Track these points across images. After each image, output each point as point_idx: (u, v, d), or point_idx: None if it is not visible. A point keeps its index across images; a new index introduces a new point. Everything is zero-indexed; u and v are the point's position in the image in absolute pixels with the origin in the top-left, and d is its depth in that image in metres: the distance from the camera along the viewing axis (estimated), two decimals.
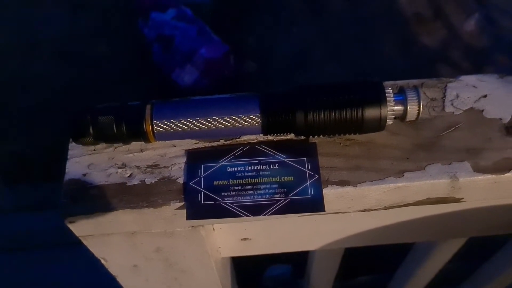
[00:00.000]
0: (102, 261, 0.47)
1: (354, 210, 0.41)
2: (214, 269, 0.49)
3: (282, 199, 0.37)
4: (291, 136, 0.41)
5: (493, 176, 0.38)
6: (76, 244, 0.44)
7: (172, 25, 2.06)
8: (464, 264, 0.89)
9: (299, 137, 0.41)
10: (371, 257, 1.03)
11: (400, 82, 0.43)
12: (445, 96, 0.43)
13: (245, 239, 0.53)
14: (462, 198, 0.40)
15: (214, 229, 0.49)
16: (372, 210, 0.41)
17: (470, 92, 0.43)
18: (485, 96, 0.43)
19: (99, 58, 2.07)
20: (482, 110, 0.42)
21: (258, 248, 0.56)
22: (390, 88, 0.38)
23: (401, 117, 0.39)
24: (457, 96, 0.43)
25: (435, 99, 0.43)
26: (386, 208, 0.41)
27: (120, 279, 0.50)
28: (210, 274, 0.51)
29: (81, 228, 0.39)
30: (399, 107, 0.38)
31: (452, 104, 0.42)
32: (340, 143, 0.40)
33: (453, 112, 0.42)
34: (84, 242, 0.42)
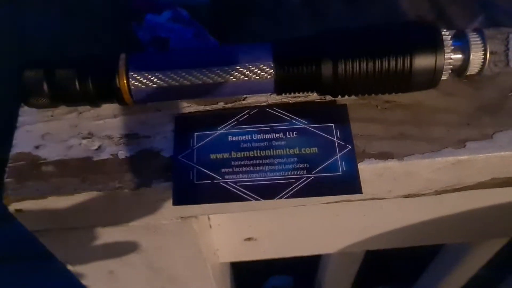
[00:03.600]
0: (68, 266, 0.37)
1: (395, 195, 0.31)
2: (211, 277, 0.39)
3: (304, 177, 0.27)
4: (313, 96, 0.31)
5: None
6: None
7: (168, 27, 1.97)
8: (492, 271, 0.79)
9: (324, 97, 0.31)
10: (390, 263, 0.93)
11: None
12: (508, 49, 0.33)
13: (249, 239, 0.43)
14: None
15: (211, 226, 0.39)
16: (418, 195, 0.32)
17: None
18: None
19: None
20: None
21: (264, 251, 0.46)
22: (446, 31, 0.28)
23: (459, 70, 0.30)
24: None
25: (496, 53, 0.33)
26: (437, 192, 0.32)
27: None
28: (206, 283, 0.41)
29: (32, 219, 0.29)
30: (458, 56, 0.29)
31: None
32: (376, 106, 0.31)
33: None
34: (41, 240, 0.32)
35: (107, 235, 0.33)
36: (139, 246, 0.35)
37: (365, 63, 0.28)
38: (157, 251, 0.35)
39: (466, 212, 0.41)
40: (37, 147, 0.29)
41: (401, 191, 0.31)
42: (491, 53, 0.33)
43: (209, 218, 0.38)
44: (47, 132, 0.30)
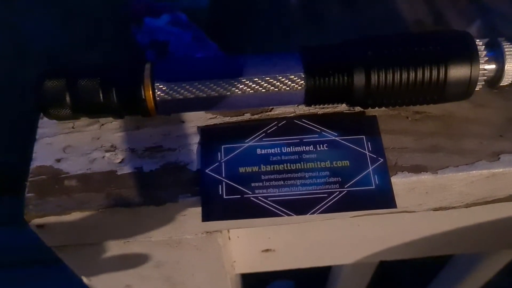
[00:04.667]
0: (85, 281, 0.36)
1: (426, 208, 0.31)
2: None
3: (337, 191, 0.27)
4: (342, 107, 0.30)
5: None
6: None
7: (166, 31, 1.96)
8: (502, 278, 0.78)
9: (353, 108, 0.30)
10: (398, 273, 0.92)
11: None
12: None
13: (267, 250, 0.42)
14: None
15: (230, 238, 0.38)
16: (448, 208, 0.31)
17: None
18: None
19: None
20: None
21: (280, 263, 0.45)
22: (480, 41, 0.28)
23: (492, 81, 0.29)
24: None
25: None
26: (467, 206, 0.31)
27: None
28: None
29: (53, 235, 0.28)
30: (492, 66, 0.28)
31: None
32: (407, 117, 0.30)
33: None
34: (59, 255, 0.31)
35: (127, 249, 0.32)
36: (159, 260, 0.34)
37: (398, 73, 0.27)
38: (177, 265, 0.34)
39: (488, 223, 0.40)
40: (58, 161, 0.28)
41: (432, 205, 0.30)
42: None
43: (228, 231, 0.37)
44: (69, 144, 0.29)
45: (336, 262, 0.49)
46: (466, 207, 0.31)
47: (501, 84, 0.29)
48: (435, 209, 0.31)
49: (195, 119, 0.30)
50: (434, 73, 0.27)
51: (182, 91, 0.28)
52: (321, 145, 0.28)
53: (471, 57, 0.27)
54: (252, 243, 0.40)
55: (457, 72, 0.27)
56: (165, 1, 1.94)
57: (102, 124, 0.30)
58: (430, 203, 0.30)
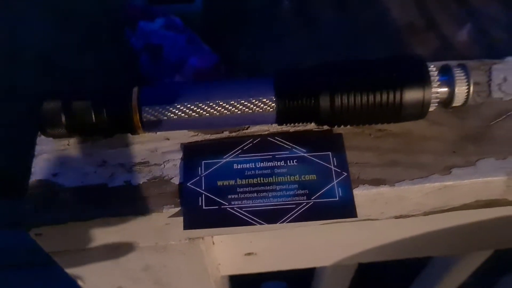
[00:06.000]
0: (79, 282, 0.39)
1: (387, 216, 0.34)
2: None
3: (304, 203, 0.30)
4: (311, 126, 0.33)
5: None
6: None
7: (161, 34, 1.98)
8: (479, 278, 0.82)
9: (321, 126, 0.33)
10: (381, 274, 0.95)
11: (435, 64, 0.36)
12: (490, 79, 0.36)
13: (249, 254, 0.45)
14: None
15: (214, 243, 0.41)
16: (408, 216, 0.34)
17: None
18: None
19: (85, 70, 1.99)
20: None
21: (263, 265, 0.48)
22: (433, 66, 0.31)
23: (445, 102, 0.32)
24: (505, 80, 0.36)
25: (479, 84, 0.36)
26: (425, 214, 0.34)
27: None
28: None
29: (50, 242, 0.31)
30: (444, 89, 0.32)
31: (499, 89, 0.35)
32: (370, 134, 0.33)
33: (502, 98, 0.35)
34: (56, 259, 0.34)
35: (118, 254, 0.35)
36: (147, 264, 0.37)
37: (359, 97, 0.30)
38: (164, 268, 0.38)
39: (452, 228, 0.44)
40: (54, 175, 0.32)
41: (393, 213, 0.33)
42: (474, 84, 0.36)
43: (212, 236, 0.40)
44: (64, 160, 0.32)
45: (315, 264, 0.52)
46: (425, 215, 0.34)
47: (453, 105, 0.32)
48: (396, 217, 0.34)
49: (179, 137, 0.33)
50: (391, 96, 0.30)
51: (166, 112, 0.31)
52: (291, 161, 0.31)
53: (423, 82, 0.30)
54: (235, 247, 0.44)
55: (412, 95, 0.30)
56: (159, 5, 1.96)
57: (94, 142, 0.33)
58: (390, 212, 0.33)
